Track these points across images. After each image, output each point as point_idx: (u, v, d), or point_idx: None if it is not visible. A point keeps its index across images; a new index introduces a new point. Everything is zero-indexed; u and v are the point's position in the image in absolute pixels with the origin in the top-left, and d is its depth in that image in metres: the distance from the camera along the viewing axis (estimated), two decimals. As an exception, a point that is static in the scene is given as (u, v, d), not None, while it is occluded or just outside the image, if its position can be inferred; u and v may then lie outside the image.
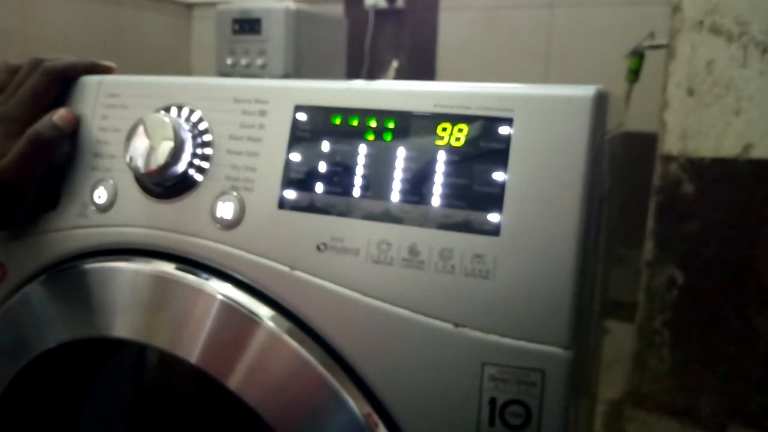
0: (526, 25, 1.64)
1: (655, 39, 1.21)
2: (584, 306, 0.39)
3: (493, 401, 0.39)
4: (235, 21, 1.52)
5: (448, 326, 0.39)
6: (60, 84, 0.52)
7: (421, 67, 1.77)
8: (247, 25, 1.50)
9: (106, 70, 0.54)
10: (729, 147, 0.92)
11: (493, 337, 0.38)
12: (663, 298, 0.98)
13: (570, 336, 0.37)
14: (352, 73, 1.79)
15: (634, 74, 1.27)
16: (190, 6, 2.09)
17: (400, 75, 1.77)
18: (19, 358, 0.52)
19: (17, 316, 0.52)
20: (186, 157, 0.45)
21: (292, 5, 1.48)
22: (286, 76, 1.47)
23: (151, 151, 0.45)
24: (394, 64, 1.78)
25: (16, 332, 0.52)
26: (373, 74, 1.80)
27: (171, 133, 0.45)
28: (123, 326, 0.48)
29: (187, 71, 2.08)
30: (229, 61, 1.53)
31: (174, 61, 2.03)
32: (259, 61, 1.49)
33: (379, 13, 1.80)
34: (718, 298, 0.94)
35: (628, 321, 1.06)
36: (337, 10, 1.87)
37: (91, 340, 0.50)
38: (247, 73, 1.51)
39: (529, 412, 0.38)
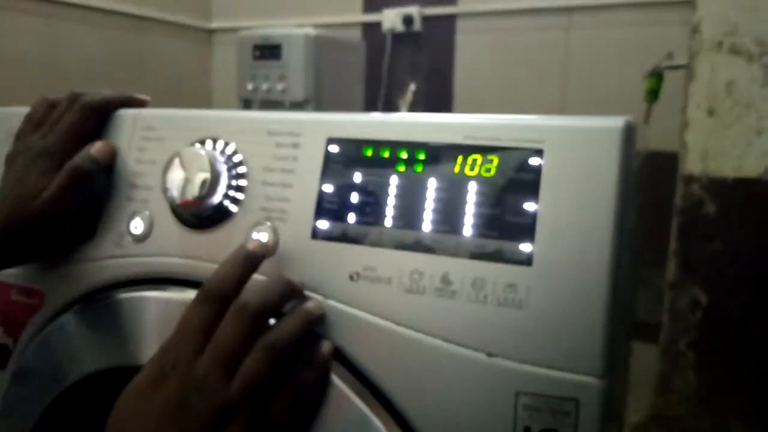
0: (543, 47, 1.65)
1: (674, 59, 1.22)
2: (617, 334, 0.39)
3: (527, 430, 0.39)
4: (256, 47, 1.54)
5: (482, 356, 0.40)
6: (97, 118, 0.53)
7: (439, 89, 1.79)
8: (268, 51, 1.53)
9: (140, 104, 0.55)
10: (751, 167, 0.92)
11: (527, 367, 0.39)
12: (687, 320, 0.97)
13: (604, 365, 0.37)
14: (370, 97, 1.80)
15: (653, 95, 1.27)
16: (210, 32, 2.13)
17: (418, 98, 1.79)
18: (54, 386, 0.53)
19: (53, 344, 0.53)
20: (221, 189, 0.46)
21: (312, 31, 1.50)
22: (306, 100, 1.49)
23: (187, 183, 0.46)
24: (412, 87, 1.80)
25: (52, 360, 0.53)
26: (390, 97, 1.82)
27: (207, 165, 0.46)
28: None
29: (208, 96, 2.11)
30: (249, 87, 1.55)
31: (195, 86, 2.07)
32: (279, 87, 1.51)
33: (396, 36, 1.82)
34: (743, 319, 0.93)
35: (652, 342, 1.05)
36: (355, 34, 1.89)
37: (124, 368, 0.50)
38: (268, 98, 1.53)
39: (564, 441, 0.38)
